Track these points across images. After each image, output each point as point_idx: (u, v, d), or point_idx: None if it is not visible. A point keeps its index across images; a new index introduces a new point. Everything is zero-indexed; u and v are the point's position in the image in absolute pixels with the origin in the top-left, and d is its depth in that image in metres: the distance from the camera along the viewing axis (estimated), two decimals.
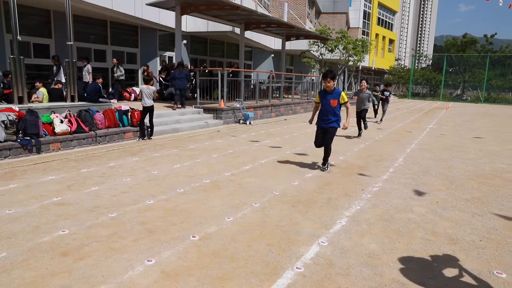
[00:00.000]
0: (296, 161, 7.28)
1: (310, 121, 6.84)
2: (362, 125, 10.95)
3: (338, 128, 6.44)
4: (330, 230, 3.92)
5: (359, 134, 10.79)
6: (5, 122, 6.84)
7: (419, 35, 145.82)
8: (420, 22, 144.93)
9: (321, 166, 6.65)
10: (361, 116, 10.85)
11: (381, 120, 14.90)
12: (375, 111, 15.90)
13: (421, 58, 53.36)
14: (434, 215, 4.47)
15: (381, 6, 49.31)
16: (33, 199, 4.63)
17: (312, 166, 6.87)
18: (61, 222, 3.94)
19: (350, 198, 5.02)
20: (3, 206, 4.37)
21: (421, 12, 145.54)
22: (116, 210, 4.34)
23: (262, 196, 5.01)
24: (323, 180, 5.89)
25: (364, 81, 11.18)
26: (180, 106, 12.37)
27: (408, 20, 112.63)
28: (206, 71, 15.98)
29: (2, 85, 9.08)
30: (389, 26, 52.96)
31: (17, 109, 7.41)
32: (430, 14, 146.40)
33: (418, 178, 6.22)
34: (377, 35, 48.31)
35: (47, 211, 4.23)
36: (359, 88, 11.66)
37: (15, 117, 7.06)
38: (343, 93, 6.14)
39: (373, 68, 44.36)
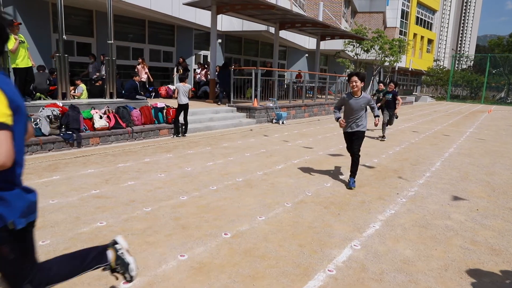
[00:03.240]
0: (329, 162, 7.19)
1: None
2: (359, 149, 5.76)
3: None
4: (363, 233, 3.85)
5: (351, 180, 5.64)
6: (50, 117, 7.20)
7: (460, 35, 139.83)
8: (462, 21, 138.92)
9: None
10: (352, 143, 5.68)
11: (383, 136, 10.33)
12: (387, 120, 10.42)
13: (461, 59, 51.15)
14: (474, 223, 4.28)
15: (420, 4, 47.56)
16: (73, 191, 4.85)
17: (346, 167, 6.76)
18: (99, 214, 4.10)
19: (384, 202, 4.90)
20: (47, 196, 4.60)
21: (463, 11, 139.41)
22: (151, 205, 4.46)
23: (294, 196, 4.99)
24: (357, 183, 5.78)
25: (355, 76, 5.33)
26: (220, 103, 12.91)
27: (449, 19, 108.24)
28: (238, 70, 16.10)
29: (48, 82, 9.57)
30: (428, 26, 51.04)
31: (60, 104, 7.78)
32: (473, 13, 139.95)
33: (456, 183, 5.98)
34: (415, 35, 46.67)
35: (87, 203, 4.42)
36: (349, 90, 5.69)
37: (58, 112, 7.41)
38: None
39: (410, 69, 42.97)
